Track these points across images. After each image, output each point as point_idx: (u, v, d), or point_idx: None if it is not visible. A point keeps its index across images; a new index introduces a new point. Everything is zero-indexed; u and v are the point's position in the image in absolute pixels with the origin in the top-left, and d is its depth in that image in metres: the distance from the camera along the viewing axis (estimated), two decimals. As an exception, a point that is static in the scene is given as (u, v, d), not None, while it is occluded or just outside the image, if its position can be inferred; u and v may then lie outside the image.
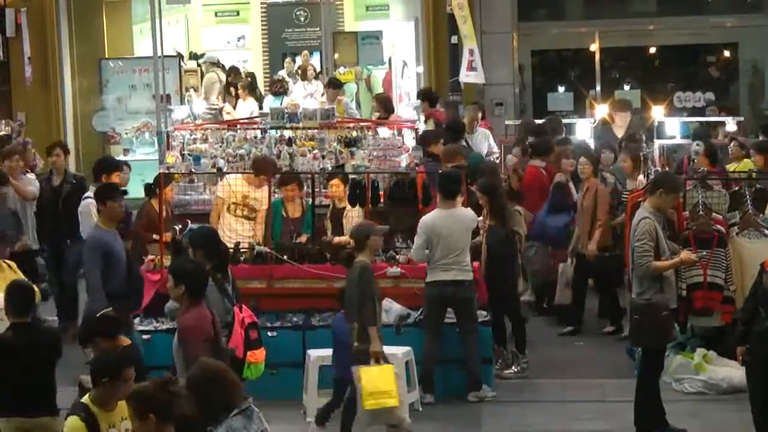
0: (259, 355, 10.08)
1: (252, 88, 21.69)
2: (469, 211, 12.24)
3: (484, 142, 17.26)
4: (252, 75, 23.37)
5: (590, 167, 14.24)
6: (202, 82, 22.39)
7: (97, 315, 9.07)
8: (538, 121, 17.58)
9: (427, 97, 18.33)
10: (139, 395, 6.58)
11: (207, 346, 8.88)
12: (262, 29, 26.38)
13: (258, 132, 15.13)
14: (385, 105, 17.99)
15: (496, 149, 17.27)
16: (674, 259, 10.83)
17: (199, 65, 23.31)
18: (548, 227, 14.36)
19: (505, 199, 13.18)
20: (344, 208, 13.43)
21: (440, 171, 13.00)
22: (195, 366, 7.16)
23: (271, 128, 15.09)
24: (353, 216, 13.21)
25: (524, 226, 13.27)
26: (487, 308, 12.50)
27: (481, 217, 12.81)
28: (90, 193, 13.37)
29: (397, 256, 12.77)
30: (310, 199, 13.83)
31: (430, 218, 12.14)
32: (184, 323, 9.14)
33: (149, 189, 13.92)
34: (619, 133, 16.79)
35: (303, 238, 13.33)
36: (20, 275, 10.49)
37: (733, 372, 11.88)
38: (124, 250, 11.26)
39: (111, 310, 9.43)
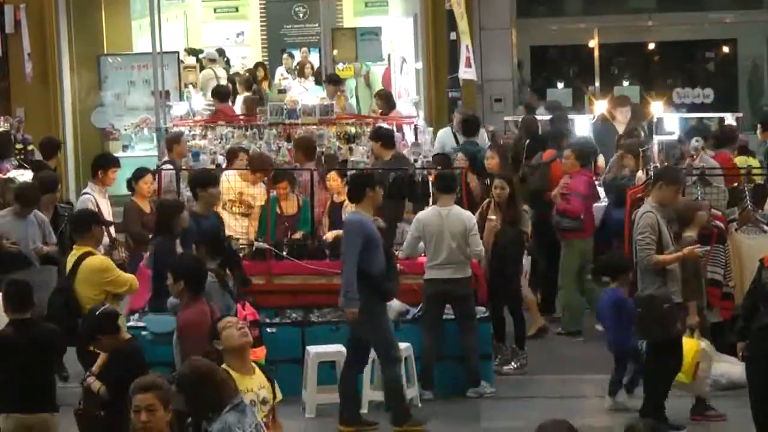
0: (259, 353, 10.10)
1: (249, 84, 21.69)
2: (465, 211, 12.23)
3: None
4: (253, 70, 23.39)
5: (465, 164, 14.25)
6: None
7: (98, 312, 9.09)
8: (540, 117, 17.52)
9: (214, 93, 18.27)
10: (169, 388, 6.64)
11: (206, 341, 8.88)
12: (261, 25, 26.42)
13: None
14: (387, 101, 17.95)
15: None
16: (676, 254, 10.83)
17: (198, 61, 23.32)
18: (613, 220, 14.15)
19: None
20: (343, 202, 13.39)
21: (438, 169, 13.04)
22: (185, 365, 7.20)
23: (270, 124, 15.10)
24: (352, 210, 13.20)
25: (529, 226, 13.29)
26: (486, 304, 12.50)
27: (493, 216, 12.81)
28: (88, 189, 13.38)
29: (396, 253, 12.76)
30: (307, 196, 13.74)
31: (424, 215, 12.16)
32: (184, 319, 9.17)
33: (129, 185, 13.84)
34: (620, 128, 16.78)
35: (297, 235, 13.28)
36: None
37: (732, 368, 11.88)
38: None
39: (109, 306, 9.45)
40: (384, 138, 14.26)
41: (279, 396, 7.91)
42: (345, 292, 10.98)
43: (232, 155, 14.21)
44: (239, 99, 20.91)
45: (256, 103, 17.84)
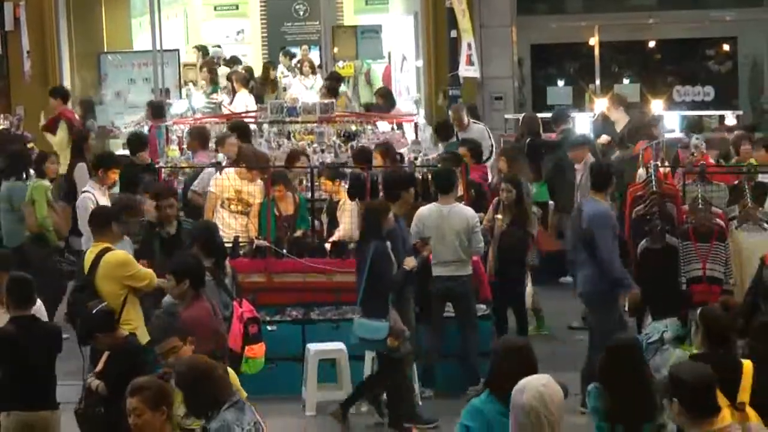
0: (258, 350, 10.06)
1: (246, 81, 21.70)
2: (467, 208, 12.23)
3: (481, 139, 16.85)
4: (249, 68, 23.43)
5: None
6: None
7: (93, 311, 9.07)
8: (541, 115, 17.51)
9: (57, 93, 18.09)
10: (159, 387, 6.64)
11: (210, 340, 8.87)
12: (261, 23, 26.46)
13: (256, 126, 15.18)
14: (387, 99, 17.95)
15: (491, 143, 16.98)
16: None
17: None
18: None
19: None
20: (339, 201, 13.36)
21: (437, 167, 13.03)
22: (183, 363, 7.21)
23: (270, 122, 15.09)
24: (348, 209, 13.17)
25: (536, 227, 13.30)
26: (487, 303, 12.51)
27: (499, 215, 12.83)
28: (88, 187, 13.33)
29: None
30: (305, 194, 13.67)
31: (422, 211, 12.14)
32: (189, 317, 9.07)
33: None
34: (619, 127, 16.79)
35: (299, 233, 13.26)
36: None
37: (732, 366, 11.86)
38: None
39: (106, 305, 9.43)
40: (239, 130, 14.46)
41: None
42: (620, 279, 11.26)
43: (218, 145, 14.30)
44: (237, 96, 20.92)
45: (90, 105, 18.07)
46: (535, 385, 5.83)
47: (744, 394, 7.20)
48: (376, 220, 11.20)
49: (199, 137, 14.70)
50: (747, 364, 7.48)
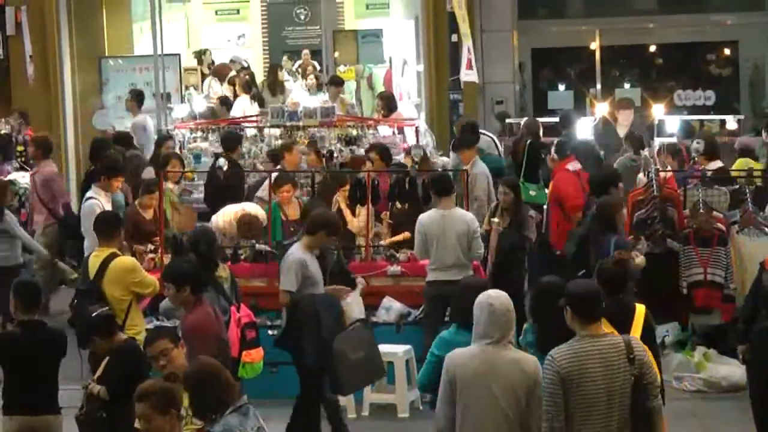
0: (255, 355, 10.05)
1: (248, 87, 21.69)
2: (467, 213, 12.23)
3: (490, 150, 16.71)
4: (251, 74, 23.44)
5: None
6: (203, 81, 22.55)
7: (93, 315, 9.08)
8: (542, 120, 17.49)
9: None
10: (166, 390, 6.66)
11: (213, 345, 8.86)
12: (263, 27, 26.44)
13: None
14: (388, 103, 17.93)
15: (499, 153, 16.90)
16: None
17: (200, 63, 23.39)
18: None
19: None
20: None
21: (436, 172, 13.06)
22: (191, 365, 7.22)
23: (272, 126, 15.09)
24: (360, 213, 13.19)
25: (535, 231, 13.30)
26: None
27: (496, 218, 12.85)
28: (93, 193, 13.23)
29: (398, 255, 12.75)
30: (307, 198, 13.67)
31: (424, 217, 12.13)
32: (192, 323, 9.04)
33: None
34: (622, 131, 16.78)
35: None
36: None
37: (733, 370, 11.88)
38: None
39: (107, 309, 9.43)
40: (121, 141, 14.87)
41: None
42: None
43: (285, 151, 14.16)
44: (237, 101, 20.90)
45: None
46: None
47: (635, 332, 8.42)
48: (611, 215, 11.37)
49: (40, 145, 15.13)
50: (640, 308, 8.71)
